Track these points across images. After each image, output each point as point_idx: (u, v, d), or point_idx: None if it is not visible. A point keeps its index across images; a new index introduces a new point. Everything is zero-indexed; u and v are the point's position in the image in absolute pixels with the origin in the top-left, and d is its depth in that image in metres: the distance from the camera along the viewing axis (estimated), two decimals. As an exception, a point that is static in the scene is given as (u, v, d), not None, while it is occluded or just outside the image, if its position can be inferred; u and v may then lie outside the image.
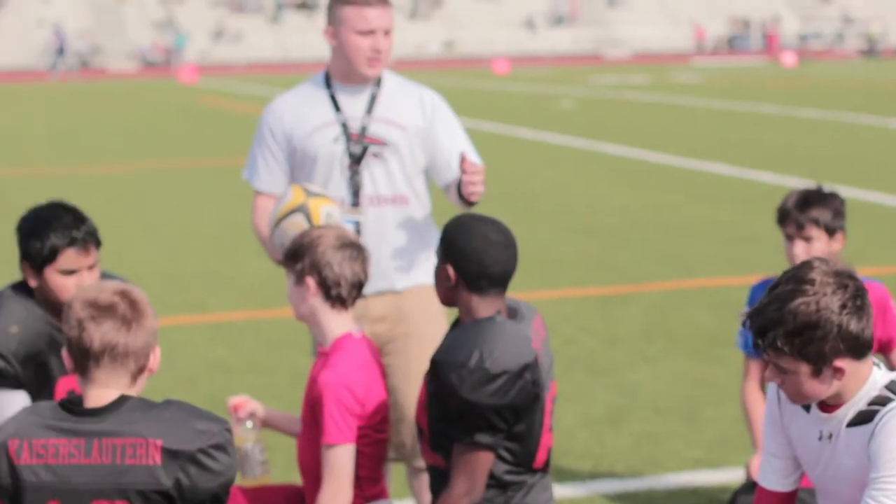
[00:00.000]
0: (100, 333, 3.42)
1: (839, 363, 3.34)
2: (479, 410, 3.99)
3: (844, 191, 15.79)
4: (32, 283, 4.53)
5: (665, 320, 9.78)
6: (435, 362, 4.07)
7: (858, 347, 3.36)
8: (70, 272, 4.49)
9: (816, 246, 5.06)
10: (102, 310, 3.44)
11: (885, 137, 23.06)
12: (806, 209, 5.09)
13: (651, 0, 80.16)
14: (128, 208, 16.23)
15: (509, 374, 4.00)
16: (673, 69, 55.95)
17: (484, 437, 4.03)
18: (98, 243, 4.56)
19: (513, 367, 4.01)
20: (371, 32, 5.23)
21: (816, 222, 5.07)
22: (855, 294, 3.37)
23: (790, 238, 5.12)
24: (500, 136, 25.56)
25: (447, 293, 4.23)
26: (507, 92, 41.07)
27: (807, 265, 3.41)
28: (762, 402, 5.29)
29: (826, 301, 3.32)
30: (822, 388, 3.38)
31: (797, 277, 3.38)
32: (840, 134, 23.91)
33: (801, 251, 5.06)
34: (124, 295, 3.48)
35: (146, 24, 71.73)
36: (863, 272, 11.03)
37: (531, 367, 4.06)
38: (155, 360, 3.52)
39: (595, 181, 17.99)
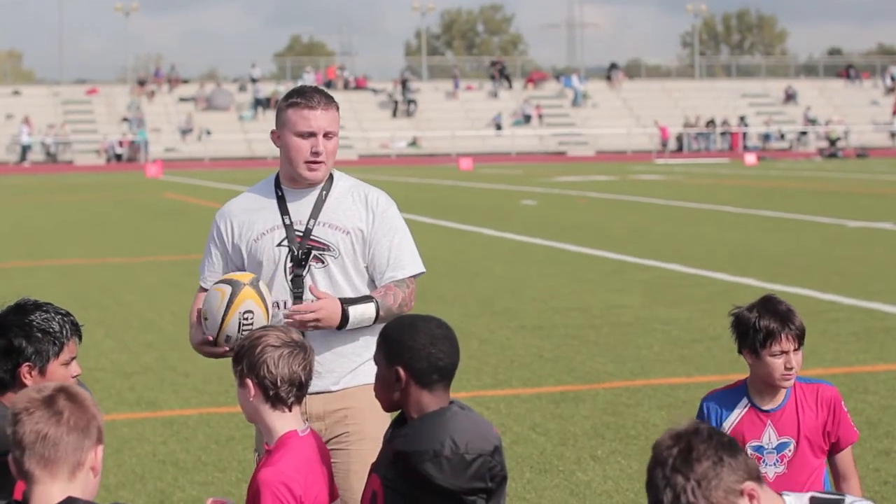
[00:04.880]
0: (31, 424, 3.44)
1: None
2: (458, 497, 4.02)
3: (800, 291, 15.97)
4: (29, 383, 4.57)
5: (617, 419, 9.81)
6: (403, 454, 4.08)
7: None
8: (69, 361, 4.65)
9: (801, 354, 5.06)
10: (37, 402, 3.48)
11: (843, 237, 23.28)
12: (791, 322, 5.00)
13: (616, 100, 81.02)
14: (88, 303, 16.20)
15: (483, 458, 4.05)
16: (636, 168, 56.43)
17: None
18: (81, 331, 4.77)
19: (486, 450, 4.06)
20: (311, 135, 5.31)
21: (803, 333, 5.02)
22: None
23: (782, 353, 5.00)
24: (460, 232, 25.67)
25: (397, 396, 4.23)
26: (469, 189, 41.30)
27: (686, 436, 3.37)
28: None
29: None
30: None
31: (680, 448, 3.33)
32: (798, 234, 24.12)
33: (795, 363, 4.97)
34: (62, 389, 3.51)
35: (115, 120, 71.93)
36: (817, 372, 11.09)
37: (500, 449, 4.12)
38: (97, 458, 3.50)
39: (552, 279, 18.07)
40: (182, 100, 75.42)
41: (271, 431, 4.50)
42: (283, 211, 5.38)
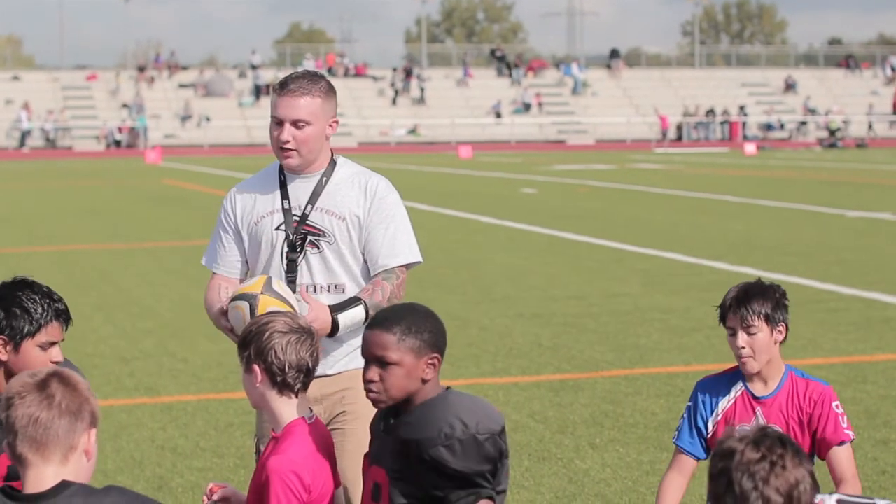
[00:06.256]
0: (23, 408, 3.44)
1: None
2: (469, 478, 4.02)
3: (800, 280, 15.98)
4: (3, 357, 4.59)
5: (615, 408, 9.82)
6: (412, 442, 4.08)
7: None
8: (49, 345, 4.61)
9: (760, 337, 5.07)
10: (30, 386, 3.47)
11: (842, 227, 23.27)
12: (747, 302, 5.05)
13: (615, 89, 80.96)
14: (86, 289, 16.20)
15: (493, 437, 4.05)
16: (635, 157, 56.40)
17: (486, 491, 4.05)
18: (70, 320, 4.72)
19: (494, 429, 4.07)
20: (279, 122, 5.30)
21: (758, 314, 5.04)
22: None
23: (733, 332, 5.07)
24: (459, 220, 25.66)
25: (417, 386, 4.19)
26: (469, 177, 41.28)
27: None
28: (676, 494, 5.27)
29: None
30: None
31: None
32: (797, 223, 24.11)
33: (744, 343, 5.04)
34: (56, 374, 3.51)
35: (114, 106, 71.86)
36: (816, 362, 11.08)
37: (505, 428, 4.14)
38: (90, 441, 3.49)
39: (552, 268, 18.07)
40: (182, 86, 75.34)
41: (278, 418, 4.50)
42: (284, 195, 5.40)
